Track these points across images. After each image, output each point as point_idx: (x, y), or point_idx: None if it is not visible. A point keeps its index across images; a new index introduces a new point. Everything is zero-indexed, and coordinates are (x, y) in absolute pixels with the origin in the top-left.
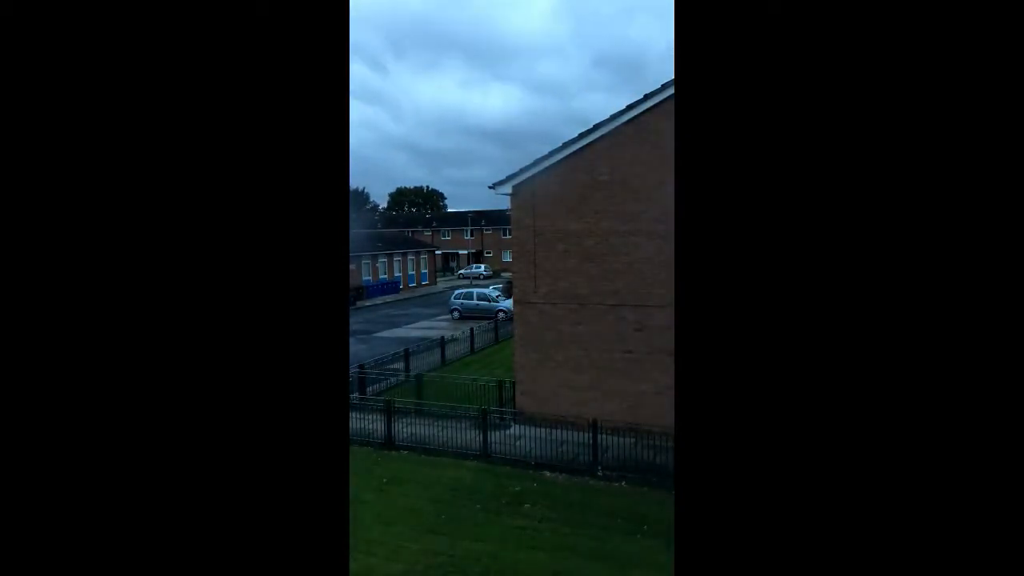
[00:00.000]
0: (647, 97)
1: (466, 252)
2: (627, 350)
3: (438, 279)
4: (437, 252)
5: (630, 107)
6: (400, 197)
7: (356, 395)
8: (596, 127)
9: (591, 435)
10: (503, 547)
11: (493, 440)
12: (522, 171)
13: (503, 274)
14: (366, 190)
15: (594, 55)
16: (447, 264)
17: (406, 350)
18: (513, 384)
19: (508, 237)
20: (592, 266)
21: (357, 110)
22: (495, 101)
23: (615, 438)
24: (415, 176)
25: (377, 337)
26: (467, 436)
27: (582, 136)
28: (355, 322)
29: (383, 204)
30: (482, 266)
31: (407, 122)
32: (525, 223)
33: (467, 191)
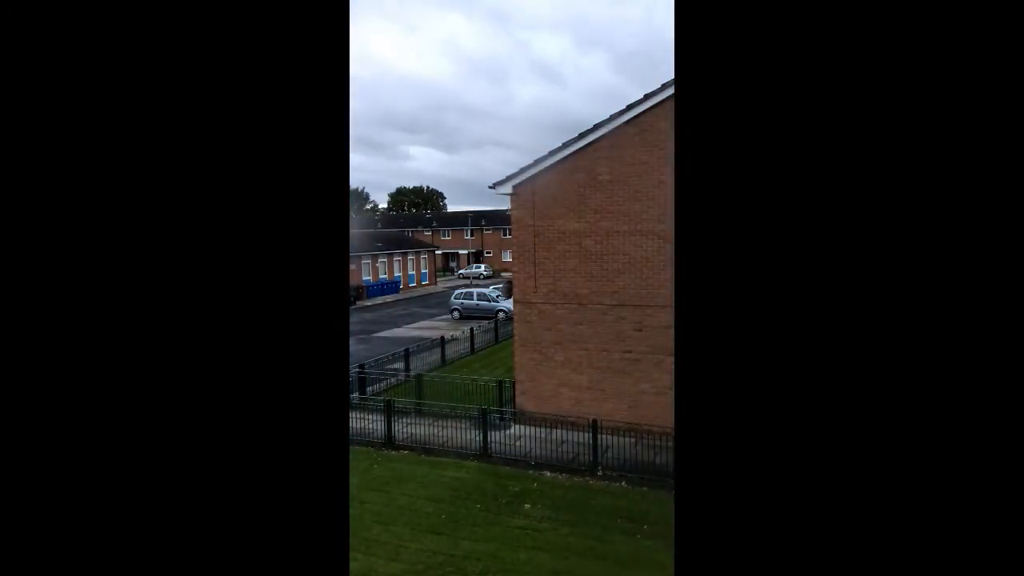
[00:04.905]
0: (647, 97)
1: (466, 252)
2: (627, 350)
3: (438, 279)
4: (437, 252)
5: (630, 107)
6: (400, 197)
7: (356, 395)
8: (596, 127)
9: (591, 435)
10: (503, 547)
11: (493, 440)
12: (522, 171)
13: (503, 274)
14: (365, 190)
15: None
16: (447, 264)
17: (406, 350)
18: (513, 384)
19: (508, 237)
20: (592, 266)
21: None
22: None
23: (615, 438)
24: None
25: (377, 337)
26: (467, 436)
27: (582, 136)
28: (355, 322)
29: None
30: (482, 266)
31: None
32: (525, 223)
33: None
